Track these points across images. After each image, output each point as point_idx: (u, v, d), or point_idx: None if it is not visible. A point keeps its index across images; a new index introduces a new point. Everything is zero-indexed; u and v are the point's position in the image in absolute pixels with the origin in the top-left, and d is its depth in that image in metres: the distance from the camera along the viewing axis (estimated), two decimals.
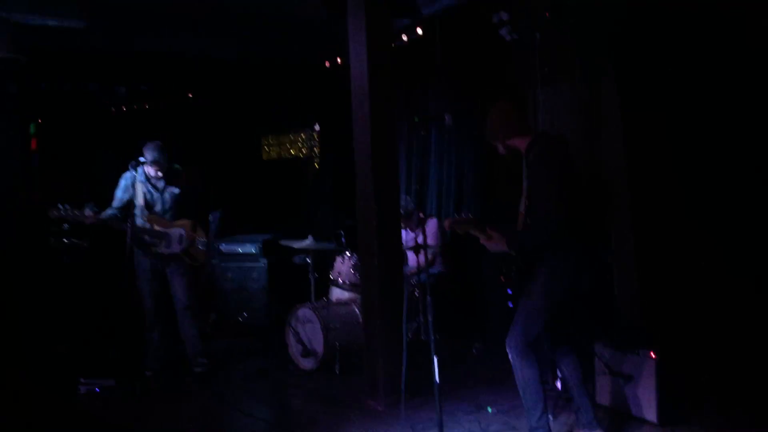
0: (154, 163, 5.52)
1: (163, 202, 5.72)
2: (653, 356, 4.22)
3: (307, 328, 5.84)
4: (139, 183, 5.62)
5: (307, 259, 6.21)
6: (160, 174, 5.62)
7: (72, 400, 5.27)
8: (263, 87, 8.70)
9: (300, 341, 5.81)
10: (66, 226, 6.29)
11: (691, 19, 4.50)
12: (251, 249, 7.39)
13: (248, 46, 7.73)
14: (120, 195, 5.68)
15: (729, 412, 4.24)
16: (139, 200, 5.60)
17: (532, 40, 5.76)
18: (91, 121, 7.95)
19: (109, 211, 5.59)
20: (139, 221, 5.58)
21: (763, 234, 4.31)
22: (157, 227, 5.64)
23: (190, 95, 8.74)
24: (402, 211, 6.13)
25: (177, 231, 5.69)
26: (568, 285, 3.73)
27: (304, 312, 5.90)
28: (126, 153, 5.74)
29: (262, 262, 7.33)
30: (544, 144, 3.74)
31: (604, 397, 4.57)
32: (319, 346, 5.72)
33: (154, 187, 5.68)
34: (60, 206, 5.36)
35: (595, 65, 5.34)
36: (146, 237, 5.61)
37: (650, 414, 4.23)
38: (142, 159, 5.52)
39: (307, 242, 6.05)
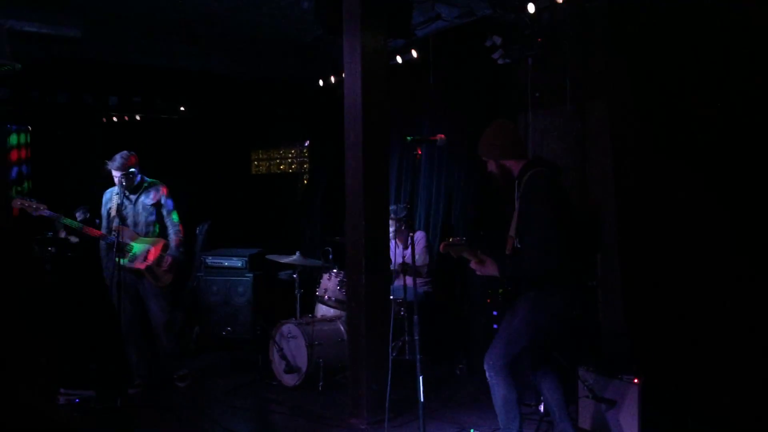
0: (113, 170, 5.51)
1: (135, 214, 5.65)
2: (636, 382, 4.24)
3: (291, 344, 5.82)
4: (115, 195, 5.61)
5: (294, 275, 6.20)
6: (123, 183, 5.49)
7: (51, 411, 5.21)
8: (254, 102, 8.73)
9: (284, 357, 5.79)
10: (50, 233, 6.26)
11: (682, 47, 4.57)
12: (237, 263, 7.35)
13: (240, 62, 7.77)
14: (102, 211, 5.73)
15: None
16: (113, 212, 5.56)
17: (524, 65, 5.85)
18: (83, 131, 7.94)
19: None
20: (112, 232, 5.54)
21: (749, 259, 4.35)
22: (125, 239, 5.52)
23: (182, 108, 8.76)
24: (393, 217, 6.12)
25: (144, 246, 5.62)
26: (554, 314, 3.76)
27: (288, 328, 5.88)
28: None
29: (248, 277, 7.30)
30: (538, 171, 3.75)
31: (586, 421, 4.58)
32: (302, 362, 5.70)
33: (127, 197, 5.62)
34: (19, 198, 5.39)
35: (586, 91, 5.42)
36: (113, 248, 5.45)
37: None
38: (132, 170, 5.53)
39: (295, 258, 6.05)
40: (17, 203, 5.35)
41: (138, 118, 8.48)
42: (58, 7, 5.68)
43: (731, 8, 4.27)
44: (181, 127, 8.80)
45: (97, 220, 5.90)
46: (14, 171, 8.02)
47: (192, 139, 8.78)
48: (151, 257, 5.58)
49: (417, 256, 6.31)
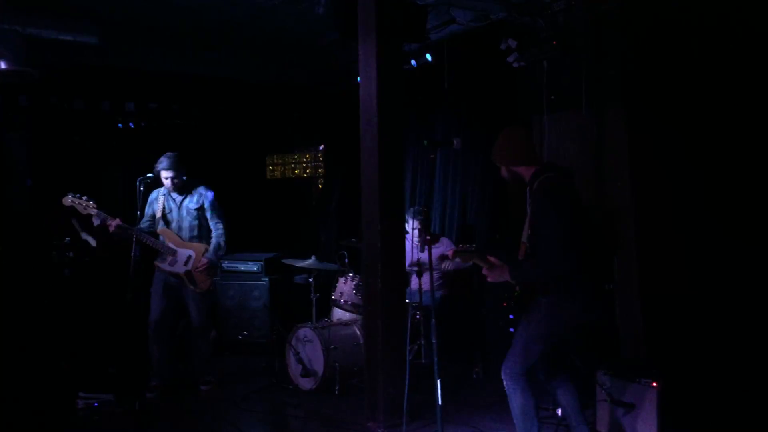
0: (163, 170, 5.56)
1: (180, 218, 5.74)
2: (655, 385, 4.22)
3: (307, 348, 5.84)
4: (161, 196, 5.72)
5: (309, 279, 6.21)
6: (170, 184, 5.62)
7: (70, 414, 5.25)
8: (269, 106, 8.76)
9: (300, 361, 5.80)
10: (68, 239, 6.29)
11: (699, 49, 4.55)
12: (253, 267, 7.37)
13: (255, 66, 7.81)
14: (146, 210, 5.77)
15: None
16: (158, 213, 5.67)
17: (539, 68, 5.83)
18: (100, 137, 8.00)
19: (140, 226, 5.67)
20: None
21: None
22: (168, 243, 5.66)
23: (197, 113, 8.80)
24: (421, 217, 6.12)
25: (186, 252, 5.68)
26: (570, 319, 3.73)
27: (304, 332, 5.89)
28: (132, 169, 5.78)
29: (264, 281, 7.33)
30: (548, 177, 3.73)
31: (604, 425, 4.55)
32: (319, 366, 5.71)
33: (173, 200, 5.74)
34: (71, 195, 5.35)
35: (602, 94, 5.39)
36: (158, 250, 5.63)
37: None
38: (149, 175, 5.55)
39: (310, 262, 6.06)
40: (68, 200, 5.34)
41: (153, 124, 8.53)
42: (76, 14, 5.73)
43: (749, 12, 4.25)
44: (197, 132, 8.84)
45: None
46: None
47: (207, 144, 8.81)
48: (191, 262, 5.67)
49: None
